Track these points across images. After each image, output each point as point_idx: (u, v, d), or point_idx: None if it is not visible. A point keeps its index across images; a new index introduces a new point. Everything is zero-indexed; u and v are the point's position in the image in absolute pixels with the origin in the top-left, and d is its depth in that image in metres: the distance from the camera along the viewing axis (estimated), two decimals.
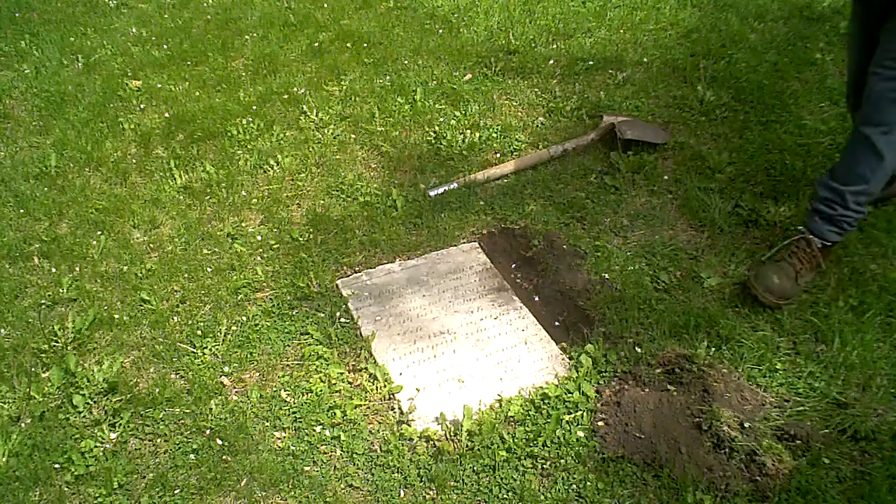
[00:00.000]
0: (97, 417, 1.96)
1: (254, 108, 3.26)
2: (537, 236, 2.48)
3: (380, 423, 1.91)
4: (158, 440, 1.92)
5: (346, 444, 1.86)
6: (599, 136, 2.85)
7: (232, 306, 2.29)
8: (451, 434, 1.85)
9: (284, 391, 2.01)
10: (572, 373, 1.97)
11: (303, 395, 2.00)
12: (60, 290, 2.39)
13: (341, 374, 2.03)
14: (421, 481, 1.76)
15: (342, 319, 2.22)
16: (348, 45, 3.70)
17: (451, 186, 2.71)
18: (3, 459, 1.88)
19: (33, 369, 2.13)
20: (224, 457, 1.86)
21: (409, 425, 1.87)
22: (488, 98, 3.19)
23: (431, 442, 1.84)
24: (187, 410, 1.98)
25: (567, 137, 2.91)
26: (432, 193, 2.69)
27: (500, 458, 1.77)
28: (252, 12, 4.15)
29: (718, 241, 2.35)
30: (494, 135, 2.97)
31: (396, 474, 1.79)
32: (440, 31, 3.73)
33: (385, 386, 1.99)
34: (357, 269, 2.42)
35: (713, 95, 3.01)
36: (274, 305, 2.28)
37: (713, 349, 1.97)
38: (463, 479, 1.75)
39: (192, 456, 1.86)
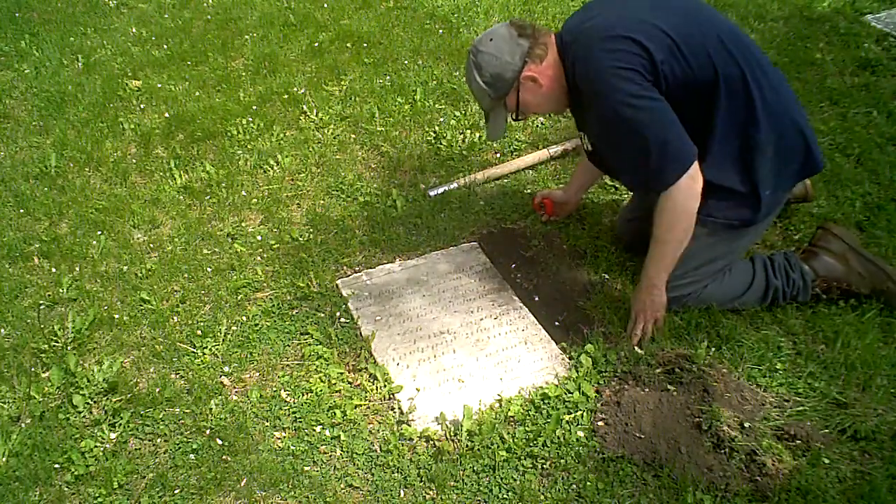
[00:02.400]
0: (97, 417, 1.96)
1: (254, 108, 3.26)
2: (537, 236, 2.48)
3: (380, 423, 1.91)
4: (158, 440, 1.92)
5: (346, 444, 1.86)
6: None
7: (232, 306, 2.29)
8: (451, 434, 1.85)
9: (284, 391, 2.01)
10: (572, 373, 1.97)
11: (303, 395, 2.00)
12: (60, 290, 2.39)
13: (341, 374, 2.03)
14: (421, 481, 1.76)
15: (342, 319, 2.22)
16: (348, 45, 3.70)
17: (451, 186, 2.71)
18: (3, 459, 1.88)
19: (33, 369, 2.13)
20: (224, 457, 1.86)
21: (409, 425, 1.87)
22: None
23: (431, 442, 1.84)
24: (187, 410, 1.98)
25: (567, 137, 2.91)
26: (432, 193, 2.69)
27: (500, 458, 1.77)
28: (252, 12, 4.15)
29: None
30: None
31: (396, 474, 1.79)
32: (440, 31, 3.73)
33: (385, 386, 1.99)
34: (357, 269, 2.42)
35: None
36: (274, 305, 2.28)
37: (713, 349, 1.97)
38: (463, 479, 1.75)
39: (192, 456, 1.86)
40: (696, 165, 1.77)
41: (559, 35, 1.90)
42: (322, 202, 2.72)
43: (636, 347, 1.99)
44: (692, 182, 1.77)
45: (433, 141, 2.98)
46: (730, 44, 1.78)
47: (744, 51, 1.80)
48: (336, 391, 1.99)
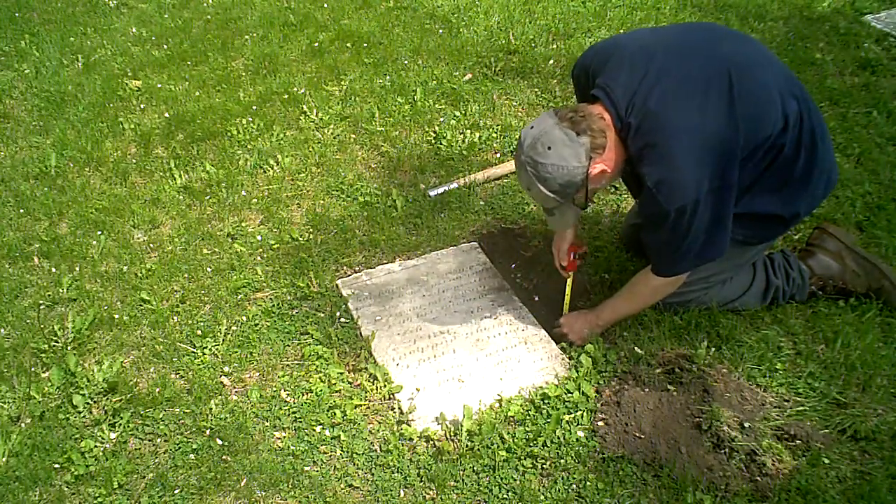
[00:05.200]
0: (97, 417, 1.96)
1: (254, 108, 3.26)
2: (537, 236, 2.48)
3: (380, 423, 1.91)
4: (158, 440, 1.92)
5: (346, 444, 1.86)
6: None
7: (232, 306, 2.29)
8: (451, 434, 1.85)
9: (284, 391, 2.01)
10: (572, 373, 1.97)
11: (303, 395, 2.00)
12: (60, 290, 2.39)
13: (341, 374, 2.04)
14: (421, 481, 1.76)
15: (342, 319, 2.22)
16: (348, 45, 3.70)
17: (451, 186, 2.71)
18: (3, 459, 1.88)
19: (33, 369, 2.13)
20: (224, 457, 1.86)
21: (409, 425, 1.88)
22: (488, 98, 3.19)
23: (431, 442, 1.84)
24: (187, 410, 1.98)
25: None
26: (432, 193, 2.69)
27: (500, 458, 1.77)
28: (252, 12, 4.14)
29: None
30: (494, 135, 2.97)
31: (396, 474, 1.79)
32: (440, 31, 3.73)
33: (385, 386, 1.99)
34: (357, 269, 2.42)
35: None
36: (274, 305, 2.28)
37: (713, 349, 1.97)
38: (463, 479, 1.75)
39: (192, 456, 1.86)
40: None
41: (612, 107, 1.71)
42: (322, 202, 2.72)
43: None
44: (685, 277, 1.89)
45: (433, 141, 2.98)
46: (788, 87, 1.74)
47: (797, 86, 1.78)
48: (336, 391, 1.99)
